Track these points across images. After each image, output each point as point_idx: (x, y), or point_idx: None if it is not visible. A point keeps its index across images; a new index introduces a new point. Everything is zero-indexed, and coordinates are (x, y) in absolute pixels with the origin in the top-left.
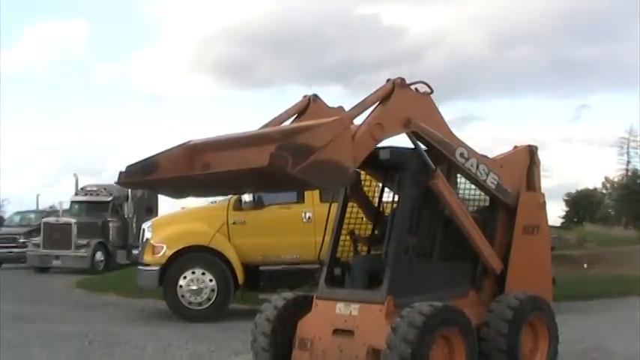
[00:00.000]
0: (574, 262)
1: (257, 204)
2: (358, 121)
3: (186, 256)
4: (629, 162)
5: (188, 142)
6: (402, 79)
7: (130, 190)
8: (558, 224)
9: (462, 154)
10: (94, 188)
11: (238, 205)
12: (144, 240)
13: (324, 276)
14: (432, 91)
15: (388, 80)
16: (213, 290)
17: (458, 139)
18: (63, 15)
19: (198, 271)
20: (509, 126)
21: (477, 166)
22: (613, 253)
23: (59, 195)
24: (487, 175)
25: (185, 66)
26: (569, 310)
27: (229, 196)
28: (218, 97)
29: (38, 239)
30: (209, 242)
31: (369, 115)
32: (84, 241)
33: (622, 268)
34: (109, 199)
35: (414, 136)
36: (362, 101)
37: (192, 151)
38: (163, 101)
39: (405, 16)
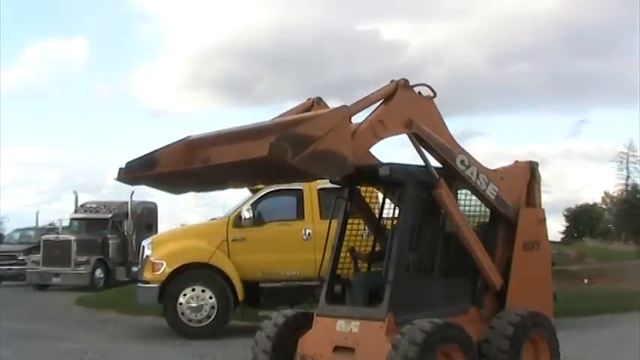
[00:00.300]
0: (574, 277)
1: (257, 221)
2: (359, 118)
3: (186, 274)
4: (628, 177)
5: (187, 137)
6: (406, 80)
7: (129, 207)
8: (558, 239)
9: (462, 162)
10: (94, 205)
11: (238, 222)
12: (143, 257)
13: (325, 293)
14: (434, 95)
15: (392, 81)
16: (213, 307)
17: (459, 146)
18: (63, 33)
19: (198, 289)
20: (509, 141)
21: (477, 175)
22: (613, 268)
23: (59, 212)
24: (487, 185)
25: (185, 82)
26: (570, 326)
27: (229, 213)
28: (218, 113)
29: (38, 256)
30: (209, 259)
31: (371, 113)
32: (83, 258)
33: (623, 283)
34: (109, 216)
35: (416, 138)
36: (364, 97)
37: (191, 147)
38: (163, 118)
39: (404, 32)
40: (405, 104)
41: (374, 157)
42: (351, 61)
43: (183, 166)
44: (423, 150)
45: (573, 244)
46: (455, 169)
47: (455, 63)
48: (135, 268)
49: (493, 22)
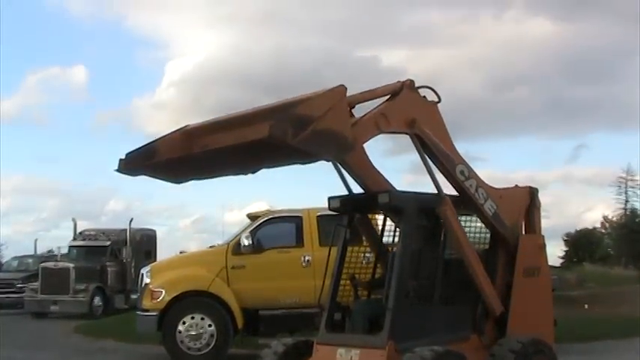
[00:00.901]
0: (575, 302)
1: (256, 248)
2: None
3: (185, 301)
4: (627, 201)
5: (185, 126)
6: (412, 81)
7: (128, 235)
8: (558, 264)
9: (462, 172)
10: (93, 233)
11: (237, 250)
12: (142, 285)
13: (325, 321)
14: (439, 100)
15: (398, 81)
16: (212, 335)
17: (460, 156)
18: (64, 60)
19: (198, 316)
20: (508, 166)
21: (477, 189)
22: (613, 293)
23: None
24: (485, 200)
25: (185, 110)
26: (570, 352)
27: (228, 240)
28: None
29: (36, 284)
30: (208, 287)
31: (376, 107)
32: (82, 286)
33: (623, 309)
34: (108, 243)
35: (418, 140)
36: (369, 90)
37: (189, 135)
38: None
39: (403, 59)
40: (409, 103)
41: (388, 181)
42: (350, 87)
43: (182, 153)
44: (426, 157)
45: (573, 268)
46: (454, 179)
47: (453, 89)
48: (134, 296)
49: (492, 48)
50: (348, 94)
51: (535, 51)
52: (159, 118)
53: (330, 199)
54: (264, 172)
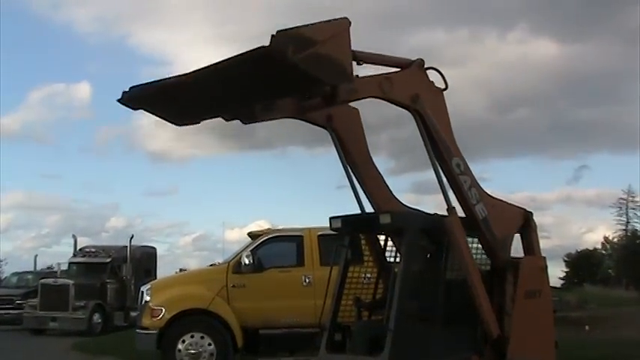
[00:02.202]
0: (575, 324)
1: (256, 267)
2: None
3: (185, 320)
4: (628, 222)
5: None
6: (422, 60)
7: (128, 252)
8: (558, 285)
9: (458, 165)
10: (93, 249)
11: (238, 268)
12: (142, 303)
13: (325, 341)
14: (446, 87)
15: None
16: (212, 354)
17: (459, 150)
18: (68, 77)
19: (197, 335)
20: (510, 187)
21: (470, 188)
22: (614, 314)
23: (58, 256)
24: (477, 201)
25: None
26: None
27: (228, 259)
28: (219, 158)
29: (35, 301)
30: (208, 306)
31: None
32: (81, 303)
33: (624, 330)
34: (108, 260)
35: (420, 118)
36: (378, 53)
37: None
38: (164, 162)
39: None
40: (416, 80)
41: (399, 201)
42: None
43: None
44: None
45: (574, 290)
46: (449, 170)
47: (456, 109)
48: (133, 314)
49: (495, 68)
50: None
51: (538, 72)
52: (161, 135)
53: (331, 219)
54: (265, 189)
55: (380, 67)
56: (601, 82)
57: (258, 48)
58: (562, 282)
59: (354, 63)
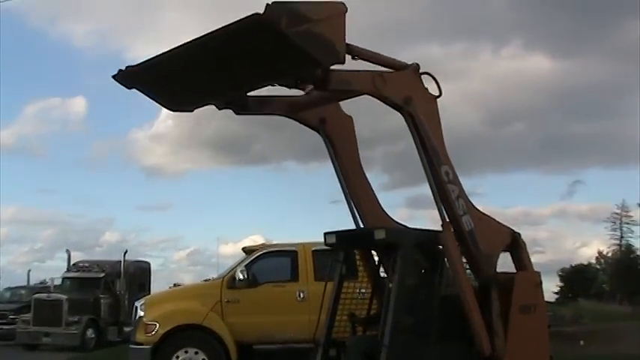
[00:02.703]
0: (570, 338)
1: (251, 282)
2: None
3: (180, 335)
4: (622, 237)
5: None
6: (418, 65)
7: (122, 267)
8: (553, 300)
9: (446, 173)
10: (86, 264)
11: (232, 283)
12: (136, 318)
13: (320, 356)
14: (440, 94)
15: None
16: None
17: (449, 158)
18: (64, 92)
19: (192, 350)
20: (504, 202)
21: (457, 198)
22: (609, 329)
23: (52, 270)
24: (464, 213)
25: (182, 142)
26: None
27: (223, 274)
28: (215, 172)
29: (28, 316)
30: (202, 321)
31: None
32: (75, 318)
33: (619, 345)
34: (101, 275)
35: (411, 122)
36: (373, 51)
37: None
38: (160, 177)
39: None
40: (410, 82)
41: (390, 217)
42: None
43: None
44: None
45: (568, 304)
46: (438, 177)
47: (451, 124)
48: (127, 329)
49: (490, 83)
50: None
51: (532, 87)
52: (156, 150)
53: (326, 234)
54: (260, 204)
55: (375, 66)
56: (594, 97)
57: (252, 15)
58: (556, 296)
59: (349, 57)
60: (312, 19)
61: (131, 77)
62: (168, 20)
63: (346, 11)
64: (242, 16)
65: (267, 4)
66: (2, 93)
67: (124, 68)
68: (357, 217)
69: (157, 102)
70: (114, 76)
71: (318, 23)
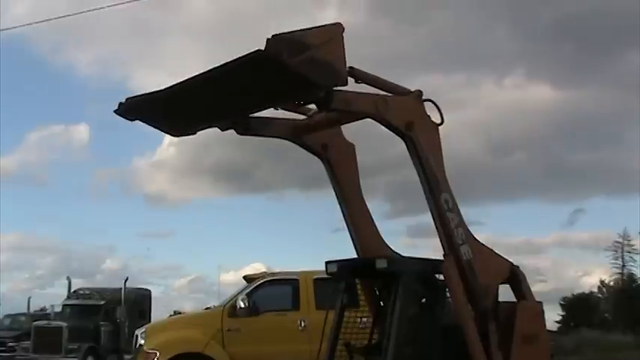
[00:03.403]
0: None
1: (252, 311)
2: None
3: None
4: (624, 266)
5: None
6: (421, 92)
7: (123, 294)
8: (555, 329)
9: (446, 201)
10: (87, 292)
11: (233, 312)
12: (137, 346)
13: None
14: (441, 122)
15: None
16: None
17: (449, 186)
18: (68, 119)
19: None
20: (505, 231)
21: (456, 227)
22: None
23: (52, 297)
24: (463, 242)
25: (184, 170)
26: None
27: (224, 302)
28: (216, 200)
29: (28, 343)
30: (203, 349)
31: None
32: (74, 346)
33: None
34: (101, 302)
35: (413, 147)
36: (377, 76)
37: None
38: (161, 205)
39: None
40: (413, 108)
41: (389, 246)
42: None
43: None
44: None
45: (570, 333)
46: (438, 204)
47: (453, 152)
48: (127, 356)
49: (492, 112)
50: None
51: (534, 116)
52: (158, 178)
53: (327, 263)
54: (261, 232)
55: (378, 91)
56: (597, 126)
57: (254, 52)
58: (558, 325)
59: (352, 80)
60: (312, 45)
61: (132, 110)
62: (171, 49)
63: (343, 30)
64: (244, 54)
65: (268, 39)
66: (4, 121)
67: (124, 101)
68: (357, 245)
69: (159, 129)
70: (115, 111)
71: (318, 49)
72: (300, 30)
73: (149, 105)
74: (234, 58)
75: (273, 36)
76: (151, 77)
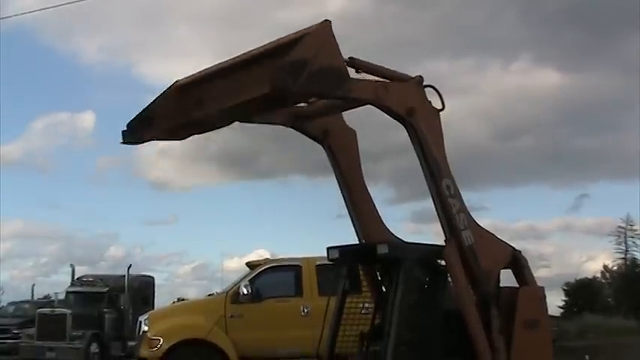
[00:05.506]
0: (575, 353)
1: (255, 297)
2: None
3: (183, 350)
4: (627, 251)
5: (175, 82)
6: (422, 78)
7: (126, 281)
8: (558, 314)
9: (448, 187)
10: (90, 279)
11: (236, 298)
12: (140, 333)
13: None
14: (442, 108)
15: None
16: None
17: (450, 172)
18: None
19: None
20: (510, 216)
21: (458, 212)
22: (614, 344)
23: (56, 285)
24: (465, 228)
25: (187, 156)
26: None
27: (227, 289)
28: (220, 187)
29: (32, 330)
30: (206, 336)
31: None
32: (78, 333)
33: None
34: (105, 289)
35: (414, 133)
36: (377, 64)
37: (182, 90)
38: (165, 191)
39: None
40: (414, 94)
41: (390, 232)
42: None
43: (180, 114)
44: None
45: (573, 318)
46: (439, 190)
47: (457, 138)
48: (131, 343)
49: (498, 98)
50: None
51: (540, 101)
52: (162, 165)
53: (329, 249)
54: (265, 218)
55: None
56: (602, 110)
57: (262, 95)
58: (561, 310)
59: (353, 70)
60: (308, 58)
61: (141, 138)
62: (176, 36)
63: (331, 24)
64: (250, 97)
65: (271, 79)
66: (10, 108)
67: (125, 129)
68: (359, 231)
69: (165, 141)
70: (121, 142)
71: (314, 59)
72: (291, 43)
73: (156, 132)
74: (242, 100)
75: (270, 71)
76: (155, 64)
